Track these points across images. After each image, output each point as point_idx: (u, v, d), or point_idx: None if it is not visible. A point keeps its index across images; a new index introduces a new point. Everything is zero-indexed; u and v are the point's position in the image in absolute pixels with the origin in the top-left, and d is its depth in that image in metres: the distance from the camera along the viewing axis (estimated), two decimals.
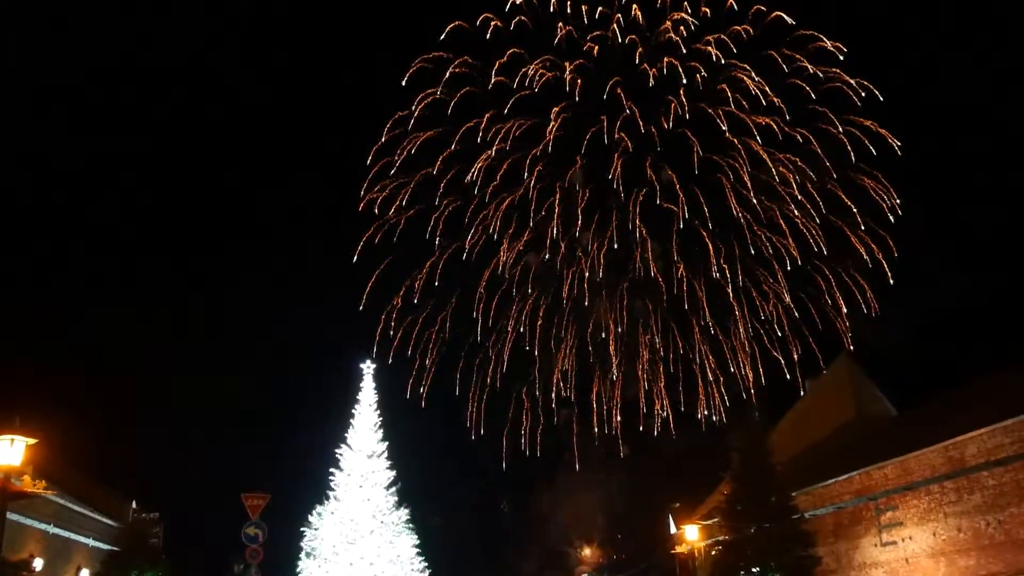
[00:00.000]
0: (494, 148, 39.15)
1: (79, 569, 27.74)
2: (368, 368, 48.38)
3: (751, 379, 38.02)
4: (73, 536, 27.52)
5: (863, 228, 35.63)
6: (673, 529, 35.74)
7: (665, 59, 38.53)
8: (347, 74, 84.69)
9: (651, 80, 38.29)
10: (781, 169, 37.00)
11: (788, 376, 37.60)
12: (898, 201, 35.15)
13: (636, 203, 38.52)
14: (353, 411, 47.33)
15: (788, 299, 37.39)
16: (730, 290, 37.55)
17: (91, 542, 28.92)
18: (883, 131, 35.31)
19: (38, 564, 22.16)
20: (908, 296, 38.65)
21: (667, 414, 39.86)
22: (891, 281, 35.30)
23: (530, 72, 38.91)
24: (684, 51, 38.69)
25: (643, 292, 40.13)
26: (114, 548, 26.69)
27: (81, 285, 70.11)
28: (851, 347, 34.97)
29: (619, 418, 42.06)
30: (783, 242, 37.19)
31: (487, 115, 39.02)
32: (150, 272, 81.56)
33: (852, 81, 36.11)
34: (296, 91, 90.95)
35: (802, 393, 36.75)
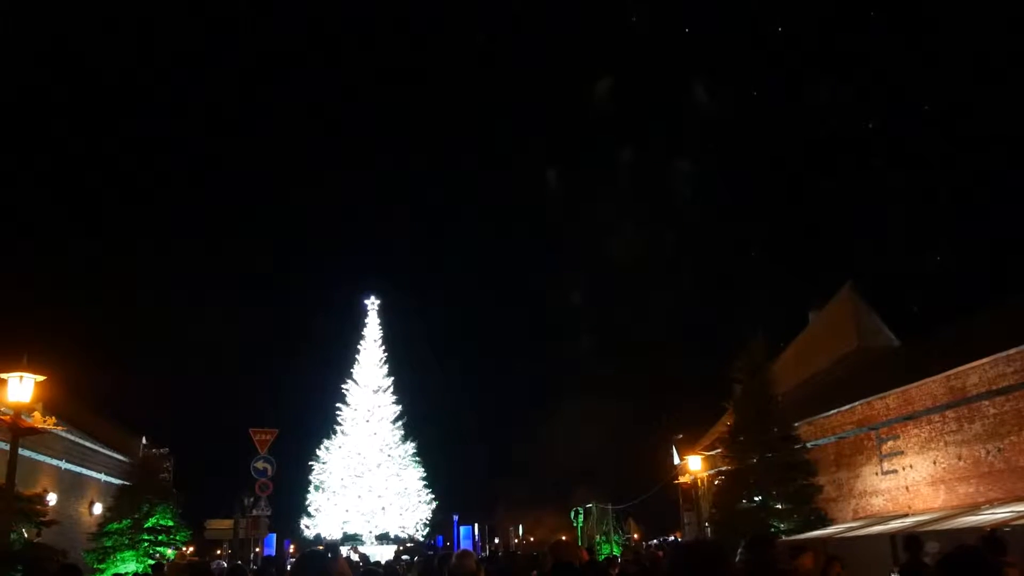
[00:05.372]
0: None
1: (92, 503, 28.25)
2: (373, 304, 48.54)
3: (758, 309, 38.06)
4: (85, 471, 27.98)
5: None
6: (676, 460, 36.17)
7: None
8: None
9: None
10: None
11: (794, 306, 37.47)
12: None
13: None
14: (359, 347, 47.67)
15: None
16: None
17: (103, 477, 29.42)
18: None
19: (52, 499, 22.53)
20: (914, 227, 38.49)
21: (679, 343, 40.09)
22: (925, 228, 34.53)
23: None
24: None
25: (666, 220, 39.99)
26: (125, 483, 27.12)
27: (84, 219, 70.21)
28: (857, 277, 34.76)
29: (628, 345, 42.32)
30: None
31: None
32: (148, 206, 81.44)
33: None
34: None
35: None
